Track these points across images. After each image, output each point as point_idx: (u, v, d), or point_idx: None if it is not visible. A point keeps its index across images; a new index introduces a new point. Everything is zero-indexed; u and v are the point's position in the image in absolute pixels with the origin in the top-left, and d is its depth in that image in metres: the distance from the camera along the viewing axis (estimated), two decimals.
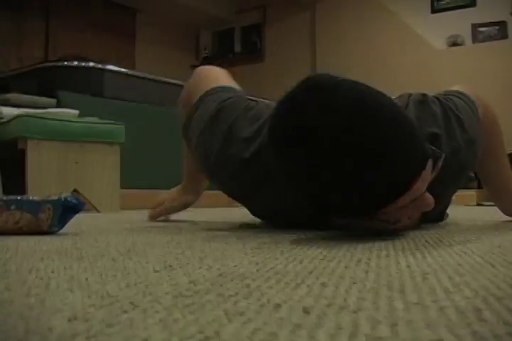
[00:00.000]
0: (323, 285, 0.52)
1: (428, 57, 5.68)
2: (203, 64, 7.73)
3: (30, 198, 1.13)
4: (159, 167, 3.99)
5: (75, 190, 2.70)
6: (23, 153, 2.59)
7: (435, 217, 1.43)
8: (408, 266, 0.64)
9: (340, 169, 0.83)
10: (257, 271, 0.61)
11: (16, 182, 2.76)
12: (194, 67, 7.79)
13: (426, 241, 0.96)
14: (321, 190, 0.87)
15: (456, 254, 0.75)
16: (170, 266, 0.65)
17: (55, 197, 1.13)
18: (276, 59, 7.03)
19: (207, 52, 7.87)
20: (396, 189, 0.87)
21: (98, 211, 2.76)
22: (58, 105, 3.34)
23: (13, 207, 1.12)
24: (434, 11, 5.81)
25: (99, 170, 2.76)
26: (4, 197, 1.13)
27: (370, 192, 0.85)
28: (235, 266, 0.64)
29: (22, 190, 2.68)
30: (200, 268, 0.63)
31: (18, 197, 1.12)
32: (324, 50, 6.53)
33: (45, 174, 2.60)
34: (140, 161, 3.65)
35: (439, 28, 5.69)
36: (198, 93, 1.29)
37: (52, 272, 0.60)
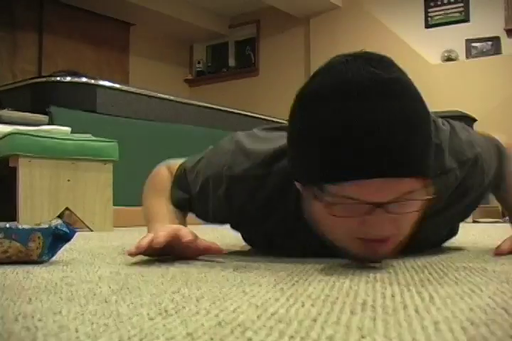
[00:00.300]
0: (330, 339, 0.48)
1: (423, 71, 5.66)
2: (197, 77, 7.74)
3: (20, 226, 1.09)
4: None
5: (67, 209, 2.67)
6: (14, 171, 2.55)
7: (434, 239, 1.39)
8: (417, 311, 0.60)
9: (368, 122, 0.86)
10: (258, 317, 0.57)
11: (6, 202, 2.73)
12: (188, 80, 7.82)
13: (429, 273, 0.93)
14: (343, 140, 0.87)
15: (464, 294, 0.72)
16: (165, 310, 0.61)
17: (46, 226, 1.09)
18: (271, 73, 7.03)
19: (200, 66, 7.87)
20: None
21: (91, 230, 2.72)
22: (51, 120, 3.31)
23: (1, 235, 1.08)
24: (428, 26, 5.83)
25: (91, 188, 2.72)
26: None
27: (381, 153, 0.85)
28: (234, 311, 0.61)
29: (13, 209, 2.65)
30: (197, 313, 0.60)
31: (7, 225, 1.09)
32: (318, 64, 6.36)
33: (37, 192, 2.56)
34: (132, 177, 3.60)
35: (433, 43, 5.71)
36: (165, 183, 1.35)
37: (40, 320, 0.57)
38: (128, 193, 3.36)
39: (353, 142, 0.86)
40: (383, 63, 0.93)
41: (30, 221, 2.50)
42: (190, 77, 7.92)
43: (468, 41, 5.57)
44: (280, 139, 1.09)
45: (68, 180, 2.65)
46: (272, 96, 6.93)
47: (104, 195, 2.77)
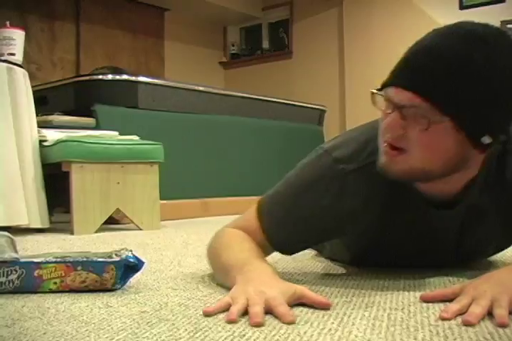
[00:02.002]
0: None
1: None
2: (231, 60, 7.82)
3: (95, 259, 1.22)
4: (196, 175, 4.10)
5: (117, 209, 2.82)
6: (67, 175, 2.70)
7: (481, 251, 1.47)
8: None
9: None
10: None
11: (62, 196, 2.90)
12: (222, 63, 7.90)
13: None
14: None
15: None
16: None
17: (118, 259, 1.22)
18: (305, 56, 7.07)
19: (234, 48, 7.93)
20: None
21: (140, 229, 2.87)
22: (95, 118, 3.45)
23: (79, 267, 1.22)
24: (462, 7, 5.80)
25: (139, 190, 2.87)
26: (71, 259, 1.22)
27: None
28: None
29: (67, 206, 2.82)
30: None
31: (85, 259, 1.22)
32: (352, 46, 6.55)
33: (89, 194, 2.71)
34: (174, 170, 3.75)
35: None
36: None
37: None
38: (170, 186, 3.51)
39: (403, 59, 1.11)
40: (496, 28, 1.12)
41: (83, 223, 2.66)
42: (224, 59, 7.98)
43: (504, 22, 5.52)
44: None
45: (118, 183, 2.79)
46: (305, 78, 6.99)
47: (151, 195, 2.92)
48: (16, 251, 1.29)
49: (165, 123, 3.98)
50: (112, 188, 2.79)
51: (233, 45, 7.94)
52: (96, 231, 2.75)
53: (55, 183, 2.88)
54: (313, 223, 1.25)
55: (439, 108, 1.04)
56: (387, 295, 1.16)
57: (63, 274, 1.23)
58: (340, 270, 1.53)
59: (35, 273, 1.23)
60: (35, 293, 1.23)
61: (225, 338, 0.86)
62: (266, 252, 1.29)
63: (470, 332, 0.87)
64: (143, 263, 1.26)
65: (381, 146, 1.15)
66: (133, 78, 3.87)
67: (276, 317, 0.95)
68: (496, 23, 5.40)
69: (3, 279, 1.22)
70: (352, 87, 6.46)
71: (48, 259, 1.24)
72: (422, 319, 0.96)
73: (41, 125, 2.88)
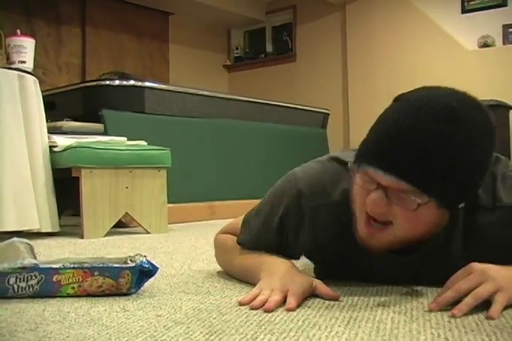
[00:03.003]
0: None
1: (458, 57, 5.73)
2: (235, 63, 7.88)
3: (111, 265, 1.28)
4: (202, 178, 4.16)
5: (126, 213, 2.88)
6: (77, 180, 2.76)
7: None
8: None
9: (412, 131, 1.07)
10: None
11: (71, 200, 2.96)
12: (226, 66, 7.96)
13: None
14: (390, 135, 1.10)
15: None
16: None
17: (133, 264, 1.28)
18: (308, 59, 7.13)
19: (238, 52, 7.99)
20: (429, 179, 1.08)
21: (148, 232, 2.93)
22: (103, 123, 3.51)
23: (96, 273, 1.27)
24: (464, 11, 5.84)
25: (147, 194, 2.92)
26: (88, 265, 1.28)
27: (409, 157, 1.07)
28: None
29: (76, 210, 2.88)
30: None
31: (101, 265, 1.28)
32: (355, 49, 6.60)
33: (98, 199, 2.77)
34: (181, 174, 3.80)
35: (469, 29, 5.72)
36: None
37: None
38: (177, 190, 3.57)
39: (388, 142, 1.09)
40: (469, 100, 1.14)
41: (92, 227, 2.72)
42: (228, 63, 8.05)
43: (506, 27, 5.57)
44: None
45: (126, 187, 2.85)
46: (309, 81, 7.04)
47: (159, 199, 2.98)
48: (35, 257, 1.35)
49: (171, 127, 4.05)
50: (121, 193, 2.85)
51: (237, 49, 8.01)
52: (105, 235, 2.81)
53: (64, 187, 2.94)
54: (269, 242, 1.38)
55: (425, 191, 1.08)
56: (391, 300, 1.21)
57: (81, 279, 1.28)
58: None
59: (54, 279, 1.28)
60: (54, 297, 1.28)
61: None
62: None
63: (469, 334, 0.92)
64: (157, 268, 1.32)
65: (360, 215, 1.18)
66: (139, 83, 3.93)
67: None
68: (497, 26, 5.50)
69: (24, 284, 1.28)
70: (355, 90, 6.52)
71: (65, 265, 1.29)
72: (424, 322, 1.01)
73: (51, 131, 2.94)
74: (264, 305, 1.11)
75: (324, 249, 1.34)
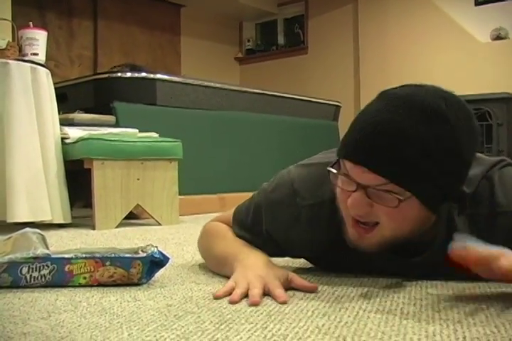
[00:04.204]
0: None
1: (471, 50, 5.69)
2: (246, 56, 7.88)
3: (122, 255, 1.29)
4: (213, 170, 4.16)
5: (137, 205, 2.89)
6: (89, 172, 2.78)
7: None
8: None
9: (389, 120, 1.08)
10: None
11: (83, 191, 2.98)
12: (238, 59, 7.95)
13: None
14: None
15: None
16: None
17: (144, 254, 1.29)
18: (320, 51, 7.11)
19: (250, 44, 7.98)
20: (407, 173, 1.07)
21: (159, 224, 2.94)
22: (115, 115, 3.52)
23: (107, 263, 1.29)
24: (477, 3, 5.80)
25: (159, 186, 2.94)
26: (100, 255, 1.29)
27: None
28: None
29: (88, 201, 2.90)
30: None
31: (112, 255, 1.29)
32: (367, 42, 6.58)
33: (110, 190, 2.79)
34: (192, 166, 3.81)
35: (482, 21, 5.68)
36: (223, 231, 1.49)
37: None
38: (188, 181, 3.58)
39: (364, 134, 1.08)
40: (452, 97, 1.13)
41: (104, 218, 2.73)
42: (240, 55, 8.04)
43: None
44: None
45: (138, 179, 2.87)
46: (321, 74, 7.03)
47: (170, 191, 2.99)
48: (47, 248, 1.36)
49: (182, 119, 4.05)
50: (132, 184, 2.86)
51: (249, 41, 8.00)
52: (117, 227, 2.82)
53: (76, 179, 2.96)
54: (264, 237, 1.38)
55: (404, 186, 1.08)
56: (400, 290, 1.22)
57: (92, 269, 1.29)
58: None
59: (66, 269, 1.29)
60: (66, 287, 1.30)
61: (248, 330, 0.92)
62: None
63: (478, 325, 0.93)
64: (168, 259, 1.33)
65: (347, 219, 1.18)
66: (151, 75, 3.93)
67: (273, 298, 1.13)
68: (511, 19, 5.45)
69: (36, 274, 1.29)
70: (367, 82, 6.50)
71: (77, 255, 1.30)
72: (432, 313, 1.01)
73: (63, 123, 2.95)
74: (241, 298, 1.11)
75: (323, 248, 1.34)
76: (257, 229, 1.39)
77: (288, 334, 0.89)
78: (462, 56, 5.71)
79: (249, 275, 1.18)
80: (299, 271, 1.48)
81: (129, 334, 0.91)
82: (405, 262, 1.27)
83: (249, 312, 1.04)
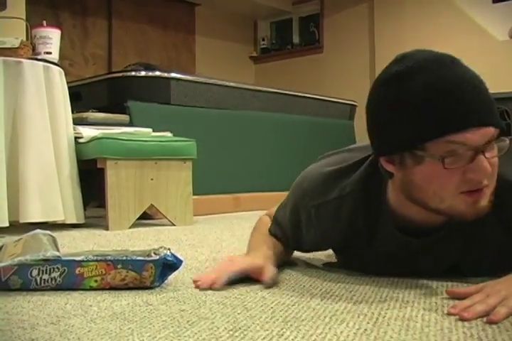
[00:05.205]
0: None
1: (489, 48, 5.62)
2: (261, 55, 7.83)
3: (134, 258, 1.26)
4: (227, 170, 4.13)
5: (151, 205, 2.87)
6: (102, 172, 2.75)
7: None
8: None
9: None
10: None
11: (96, 191, 2.96)
12: (252, 58, 7.92)
13: None
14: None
15: None
16: None
17: (156, 257, 1.25)
18: (335, 50, 7.05)
19: (265, 43, 7.94)
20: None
21: (173, 224, 2.91)
22: (128, 114, 3.50)
23: (119, 266, 1.25)
24: (495, 0, 5.72)
25: (173, 186, 2.91)
26: (112, 258, 1.26)
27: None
28: None
29: (101, 201, 2.88)
30: None
31: (124, 257, 1.26)
32: (383, 41, 6.51)
33: (124, 190, 2.76)
34: (206, 165, 3.78)
35: (501, 19, 5.61)
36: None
37: None
38: (202, 181, 3.55)
39: (462, 97, 1.06)
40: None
41: (117, 219, 2.71)
42: (255, 54, 8.00)
43: None
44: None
45: (151, 179, 2.84)
46: (336, 73, 6.97)
47: (184, 191, 2.95)
48: (57, 250, 1.33)
49: (197, 118, 4.02)
50: (146, 184, 2.83)
51: (263, 40, 7.96)
52: (130, 227, 2.80)
53: (89, 179, 2.94)
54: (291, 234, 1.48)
55: (501, 129, 1.11)
56: (421, 295, 1.18)
57: (104, 272, 1.26)
58: None
59: (77, 271, 1.26)
60: (76, 290, 1.27)
61: (264, 337, 0.88)
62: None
63: (504, 334, 0.88)
64: (181, 261, 1.29)
65: (454, 200, 1.11)
66: (165, 74, 3.91)
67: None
68: None
69: (46, 276, 1.26)
70: None
71: (88, 257, 1.27)
72: (456, 320, 0.97)
73: (76, 122, 2.93)
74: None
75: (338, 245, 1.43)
76: (285, 228, 1.49)
77: None
78: (479, 54, 5.62)
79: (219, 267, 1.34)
80: (323, 275, 1.45)
81: None
82: (421, 243, 1.27)
83: (264, 319, 1.00)
